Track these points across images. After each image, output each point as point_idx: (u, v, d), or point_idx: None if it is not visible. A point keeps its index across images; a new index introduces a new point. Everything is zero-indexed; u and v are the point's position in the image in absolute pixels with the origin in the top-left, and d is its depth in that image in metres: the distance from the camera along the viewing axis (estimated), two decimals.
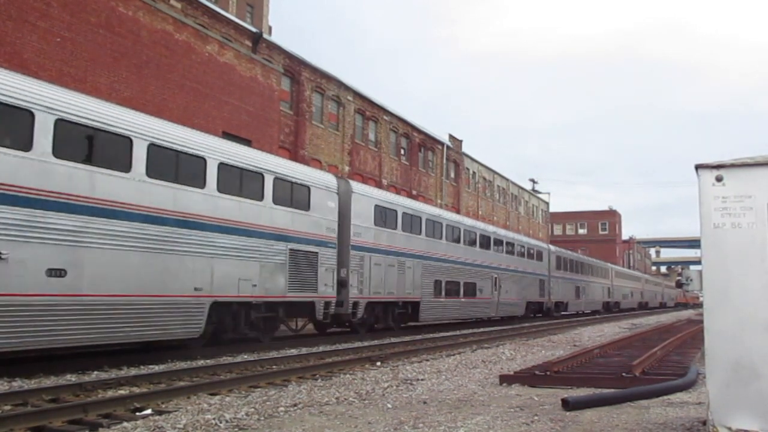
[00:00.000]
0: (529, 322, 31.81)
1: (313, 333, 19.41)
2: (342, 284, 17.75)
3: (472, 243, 27.20)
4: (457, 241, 25.57)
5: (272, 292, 14.68)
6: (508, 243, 31.96)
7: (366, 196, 19.57)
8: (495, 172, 60.62)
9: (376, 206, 19.83)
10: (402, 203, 22.19)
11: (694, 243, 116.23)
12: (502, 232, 33.10)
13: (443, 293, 23.73)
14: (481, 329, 24.75)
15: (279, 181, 15.07)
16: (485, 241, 28.82)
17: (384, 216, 20.28)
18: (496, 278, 29.07)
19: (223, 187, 13.23)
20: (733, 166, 5.05)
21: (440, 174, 47.78)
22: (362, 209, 19.03)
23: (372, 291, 19.16)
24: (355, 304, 18.43)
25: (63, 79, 16.36)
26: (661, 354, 13.10)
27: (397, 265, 20.55)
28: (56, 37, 17.16)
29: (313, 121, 32.72)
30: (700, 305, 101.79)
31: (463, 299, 25.53)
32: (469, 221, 29.01)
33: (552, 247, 41.16)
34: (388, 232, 20.37)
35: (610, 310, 54.62)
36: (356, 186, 19.43)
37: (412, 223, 21.91)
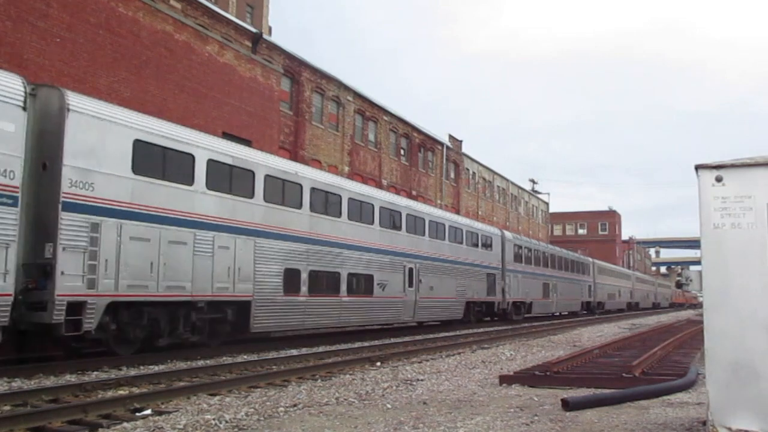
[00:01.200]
0: (477, 327, 25.77)
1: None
2: (41, 272, 10.78)
3: (368, 219, 19.90)
4: (337, 214, 18.29)
5: None
6: (433, 223, 24.18)
7: (108, 121, 11.88)
8: (495, 173, 60.60)
9: (138, 142, 12.35)
10: (205, 143, 14.13)
11: (693, 243, 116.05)
12: (424, 209, 24.94)
13: (304, 289, 16.48)
14: (481, 329, 24.73)
15: None
16: (392, 218, 21.41)
17: (162, 160, 12.99)
18: (411, 269, 21.97)
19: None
20: (733, 166, 5.05)
21: (440, 174, 47.77)
22: (95, 140, 11.52)
23: (123, 285, 11.72)
24: (75, 307, 10.93)
25: (63, 79, 16.36)
26: (661, 354, 13.10)
27: (192, 242, 13.19)
28: (56, 38, 17.15)
29: (312, 121, 32.71)
30: (697, 305, 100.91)
31: (346, 298, 18.32)
32: (364, 189, 21.27)
33: (508, 234, 33.77)
34: (171, 189, 12.98)
35: (593, 311, 48.96)
36: (76, 100, 11.50)
37: (233, 179, 14.64)
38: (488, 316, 30.36)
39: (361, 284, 19.35)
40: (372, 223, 20.10)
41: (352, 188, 19.63)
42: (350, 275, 18.61)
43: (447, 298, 24.86)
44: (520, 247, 34.13)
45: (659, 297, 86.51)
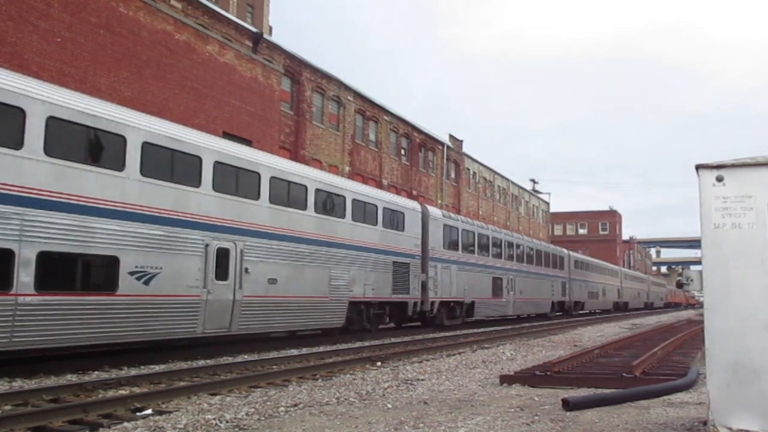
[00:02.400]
0: (449, 330, 22.85)
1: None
2: None
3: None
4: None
5: None
6: (278, 182, 15.35)
7: None
8: (495, 173, 60.61)
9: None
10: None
11: (694, 243, 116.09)
12: (261, 156, 15.48)
13: None
14: (482, 329, 24.74)
15: None
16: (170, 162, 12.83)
17: None
18: (223, 251, 13.52)
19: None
20: (733, 166, 5.05)
21: (440, 174, 47.78)
22: None
23: None
24: None
25: (64, 79, 16.37)
26: (662, 354, 13.09)
27: None
28: (57, 37, 17.17)
29: (313, 121, 32.72)
30: (695, 305, 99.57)
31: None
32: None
33: (435, 211, 24.80)
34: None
35: (569, 313, 41.36)
36: None
37: None
38: (401, 321, 22.71)
39: (85, 273, 11.18)
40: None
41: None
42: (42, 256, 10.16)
43: (305, 297, 16.10)
44: (454, 229, 25.18)
45: (652, 296, 79.29)
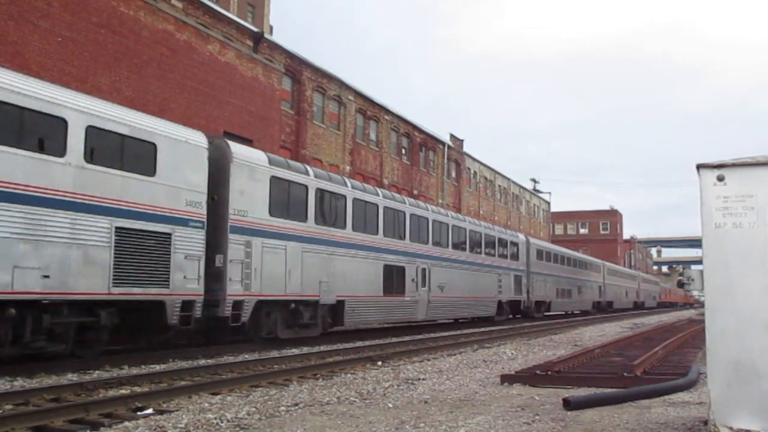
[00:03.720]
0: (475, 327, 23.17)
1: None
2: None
3: None
4: None
5: None
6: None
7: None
8: (496, 172, 60.60)
9: None
10: None
11: (695, 243, 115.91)
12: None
13: None
14: (482, 329, 24.73)
15: None
16: None
17: None
18: None
19: None
20: (734, 165, 5.05)
21: (441, 174, 47.78)
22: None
23: None
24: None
25: (64, 78, 16.37)
26: (663, 354, 13.09)
27: None
28: (57, 37, 17.17)
29: (314, 120, 32.73)
30: (692, 305, 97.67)
31: None
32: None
33: (237, 148, 14.96)
34: None
35: (529, 316, 33.42)
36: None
37: None
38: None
39: None
40: None
41: None
42: None
43: None
44: (298, 186, 16.26)
45: (643, 295, 71.00)
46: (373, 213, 19.61)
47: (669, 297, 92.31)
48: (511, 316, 31.65)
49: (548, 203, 79.27)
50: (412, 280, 21.46)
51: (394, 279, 20.35)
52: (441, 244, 24.11)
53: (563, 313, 41.32)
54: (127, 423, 6.50)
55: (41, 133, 10.22)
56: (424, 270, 22.27)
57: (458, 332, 21.86)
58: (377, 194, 20.23)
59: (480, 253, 27.86)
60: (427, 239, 23.00)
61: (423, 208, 23.38)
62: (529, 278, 33.71)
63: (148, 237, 11.74)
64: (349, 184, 18.66)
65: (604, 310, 51.04)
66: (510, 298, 30.84)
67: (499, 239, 30.37)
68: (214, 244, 13.48)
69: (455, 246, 25.32)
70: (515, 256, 32.08)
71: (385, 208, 20.34)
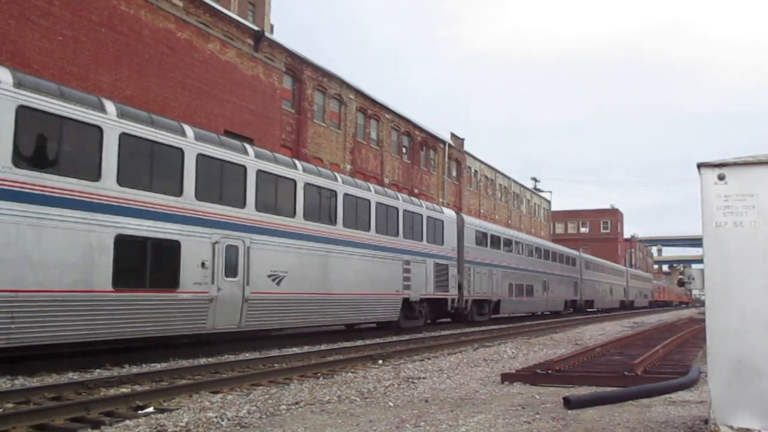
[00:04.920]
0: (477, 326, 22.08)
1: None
2: None
3: None
4: None
5: None
6: None
7: None
8: (497, 171, 60.56)
9: None
10: None
11: (696, 242, 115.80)
12: None
13: None
14: (483, 328, 24.73)
15: None
16: None
17: None
18: None
19: None
20: (735, 164, 5.05)
21: (442, 172, 47.76)
22: None
23: None
24: None
25: (65, 77, 16.37)
26: (663, 352, 13.09)
27: None
28: (58, 36, 17.17)
29: (314, 119, 32.72)
30: (688, 303, 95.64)
31: None
32: None
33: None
34: None
35: (468, 320, 25.94)
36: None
37: None
38: None
39: None
40: None
41: None
42: None
43: None
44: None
45: (633, 293, 63.45)
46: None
47: (663, 295, 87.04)
48: (430, 321, 24.30)
49: (549, 202, 79.23)
50: (202, 264, 12.98)
51: (148, 262, 11.98)
52: (277, 210, 15.26)
53: (524, 314, 33.86)
54: (128, 422, 6.50)
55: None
56: (232, 249, 13.80)
57: (458, 331, 21.86)
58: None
59: (367, 229, 18.85)
60: (243, 201, 14.26)
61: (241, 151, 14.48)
62: (462, 269, 25.18)
63: None
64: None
65: (580, 310, 43.46)
66: (427, 296, 22.02)
67: (406, 212, 21.05)
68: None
69: (309, 215, 16.34)
70: (437, 238, 23.26)
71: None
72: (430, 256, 22.59)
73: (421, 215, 22.31)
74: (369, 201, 19.06)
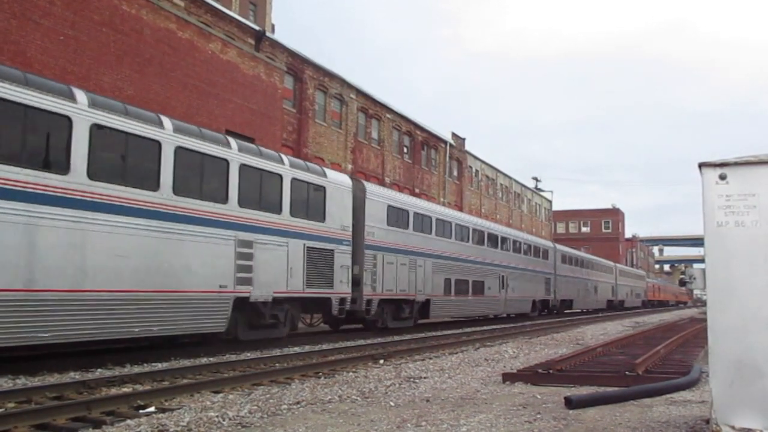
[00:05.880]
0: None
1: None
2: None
3: None
4: None
5: None
6: None
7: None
8: (498, 171, 60.55)
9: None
10: None
11: (697, 241, 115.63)
12: None
13: None
14: (484, 327, 24.73)
15: None
16: None
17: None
18: None
19: None
20: (736, 164, 5.04)
21: (443, 172, 47.75)
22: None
23: None
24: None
25: (67, 77, 16.38)
26: (664, 352, 13.07)
27: None
28: (59, 35, 17.18)
29: (316, 119, 32.72)
30: (686, 303, 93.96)
31: None
32: None
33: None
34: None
35: (414, 322, 21.67)
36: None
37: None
38: None
39: None
40: None
41: None
42: None
43: None
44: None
45: (623, 292, 57.19)
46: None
47: (659, 295, 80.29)
48: (338, 328, 20.04)
49: (550, 202, 79.21)
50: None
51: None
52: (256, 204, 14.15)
53: (470, 318, 27.94)
54: (129, 421, 6.51)
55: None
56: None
57: (460, 331, 21.85)
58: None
59: (154, 187, 11.93)
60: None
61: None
62: (362, 257, 18.49)
63: None
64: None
65: (555, 312, 37.42)
66: (289, 293, 15.33)
67: (246, 168, 14.07)
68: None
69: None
70: (314, 212, 16.38)
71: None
72: (298, 236, 15.57)
73: (280, 176, 15.06)
74: (159, 143, 11.99)
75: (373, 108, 38.55)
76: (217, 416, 6.62)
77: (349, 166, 34.97)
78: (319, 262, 16.39)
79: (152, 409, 7.30)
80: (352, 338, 17.90)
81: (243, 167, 13.94)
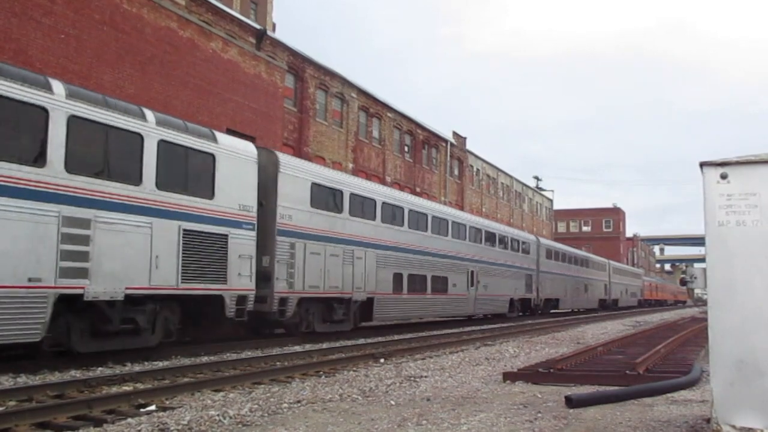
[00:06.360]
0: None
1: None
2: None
3: None
4: None
5: None
6: None
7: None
8: (499, 170, 60.53)
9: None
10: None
11: (698, 241, 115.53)
12: None
13: None
14: (485, 326, 24.72)
15: None
16: None
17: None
18: None
19: None
20: (738, 163, 5.04)
21: (444, 171, 47.73)
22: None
23: None
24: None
25: (67, 75, 16.38)
26: (665, 352, 13.07)
27: None
28: (60, 34, 17.17)
29: (316, 118, 32.72)
30: (684, 302, 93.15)
31: None
32: None
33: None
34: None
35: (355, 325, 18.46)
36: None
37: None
38: None
39: None
40: None
41: None
42: None
43: None
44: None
45: (617, 291, 53.69)
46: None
47: (656, 294, 77.23)
48: (244, 333, 16.41)
49: (551, 201, 79.19)
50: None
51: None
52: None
53: (425, 320, 24.76)
54: (130, 420, 6.52)
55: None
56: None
57: (460, 330, 21.85)
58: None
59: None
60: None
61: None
62: (273, 246, 15.29)
63: None
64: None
65: (540, 313, 34.39)
66: (153, 289, 12.07)
67: (77, 120, 10.56)
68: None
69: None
70: (197, 187, 13.05)
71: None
72: (169, 215, 12.21)
73: (140, 135, 11.71)
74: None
75: (374, 107, 38.54)
76: (217, 415, 6.62)
77: (350, 165, 34.97)
78: (203, 251, 12.81)
79: (153, 407, 7.30)
80: (353, 337, 17.90)
81: (73, 119, 10.36)
